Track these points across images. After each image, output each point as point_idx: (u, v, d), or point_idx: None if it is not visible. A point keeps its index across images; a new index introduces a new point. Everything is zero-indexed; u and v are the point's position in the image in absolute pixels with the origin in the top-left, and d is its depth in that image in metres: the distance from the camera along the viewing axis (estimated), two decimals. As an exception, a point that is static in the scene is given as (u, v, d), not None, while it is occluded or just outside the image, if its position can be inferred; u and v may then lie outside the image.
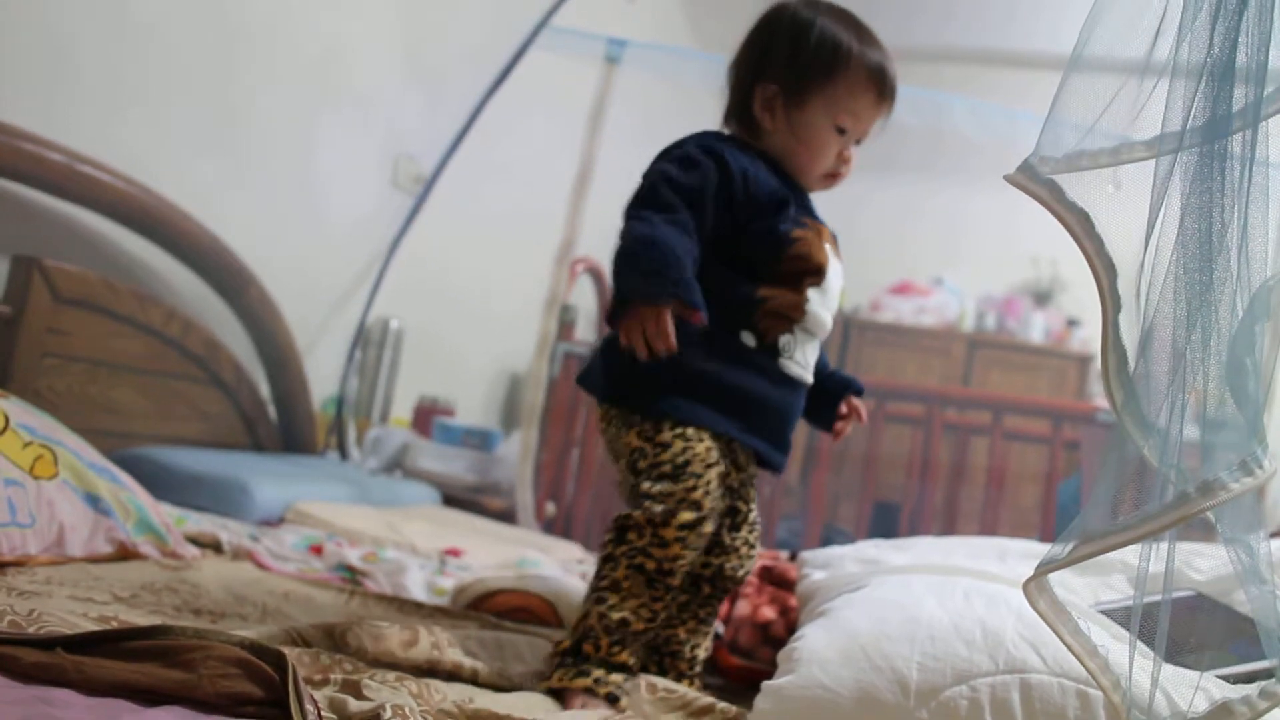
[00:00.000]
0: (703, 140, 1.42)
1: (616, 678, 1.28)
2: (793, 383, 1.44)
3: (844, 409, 1.55)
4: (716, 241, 1.38)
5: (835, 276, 1.46)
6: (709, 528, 1.33)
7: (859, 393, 1.56)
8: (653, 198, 1.34)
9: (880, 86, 1.43)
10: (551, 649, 1.35)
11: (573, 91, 3.41)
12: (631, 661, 1.31)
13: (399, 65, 3.35)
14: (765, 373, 1.40)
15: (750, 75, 1.47)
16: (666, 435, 1.35)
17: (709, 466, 1.34)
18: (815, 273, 1.41)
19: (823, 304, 1.43)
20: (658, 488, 1.32)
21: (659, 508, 1.31)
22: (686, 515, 1.30)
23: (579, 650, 1.30)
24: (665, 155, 1.40)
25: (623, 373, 1.40)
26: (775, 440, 1.45)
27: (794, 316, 1.40)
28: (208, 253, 2.58)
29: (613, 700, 1.26)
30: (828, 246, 1.45)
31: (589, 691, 1.25)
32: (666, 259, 1.26)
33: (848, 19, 1.45)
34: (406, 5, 3.35)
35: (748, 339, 1.39)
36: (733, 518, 1.47)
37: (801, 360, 1.43)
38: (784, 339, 1.40)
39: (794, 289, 1.40)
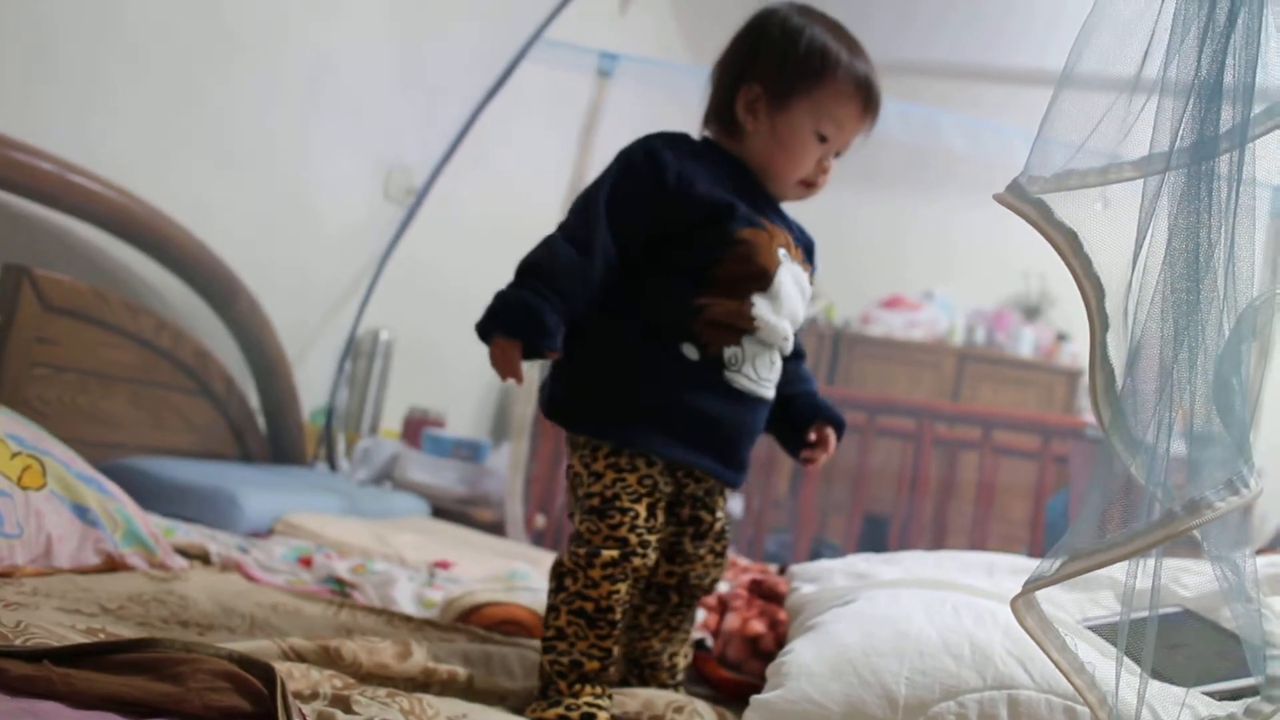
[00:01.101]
0: (647, 143, 1.40)
1: (586, 699, 1.28)
2: (744, 397, 1.39)
3: (813, 436, 1.50)
4: (658, 246, 1.36)
5: (790, 282, 1.40)
6: (638, 561, 1.31)
7: (835, 422, 1.51)
8: (576, 214, 1.37)
9: (866, 98, 1.41)
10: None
11: (565, 104, 3.42)
12: (597, 692, 1.30)
13: (392, 76, 3.35)
14: (710, 388, 1.36)
15: (735, 76, 1.44)
16: (600, 464, 1.34)
17: (638, 499, 1.33)
18: (759, 277, 1.36)
19: (773, 311, 1.37)
20: (584, 524, 1.33)
21: (583, 549, 1.31)
22: (609, 553, 1.30)
23: (545, 694, 1.30)
24: (612, 162, 1.40)
25: (563, 394, 1.41)
26: (725, 459, 1.41)
27: (740, 326, 1.36)
28: (198, 263, 2.58)
29: (589, 719, 1.26)
30: (782, 251, 1.39)
31: (563, 718, 1.26)
32: (530, 302, 1.29)
33: (839, 30, 1.43)
34: (400, 16, 3.35)
35: (689, 351, 1.35)
36: (696, 527, 1.45)
37: (753, 374, 1.38)
38: (729, 351, 1.36)
39: (736, 296, 1.35)
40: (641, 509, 1.33)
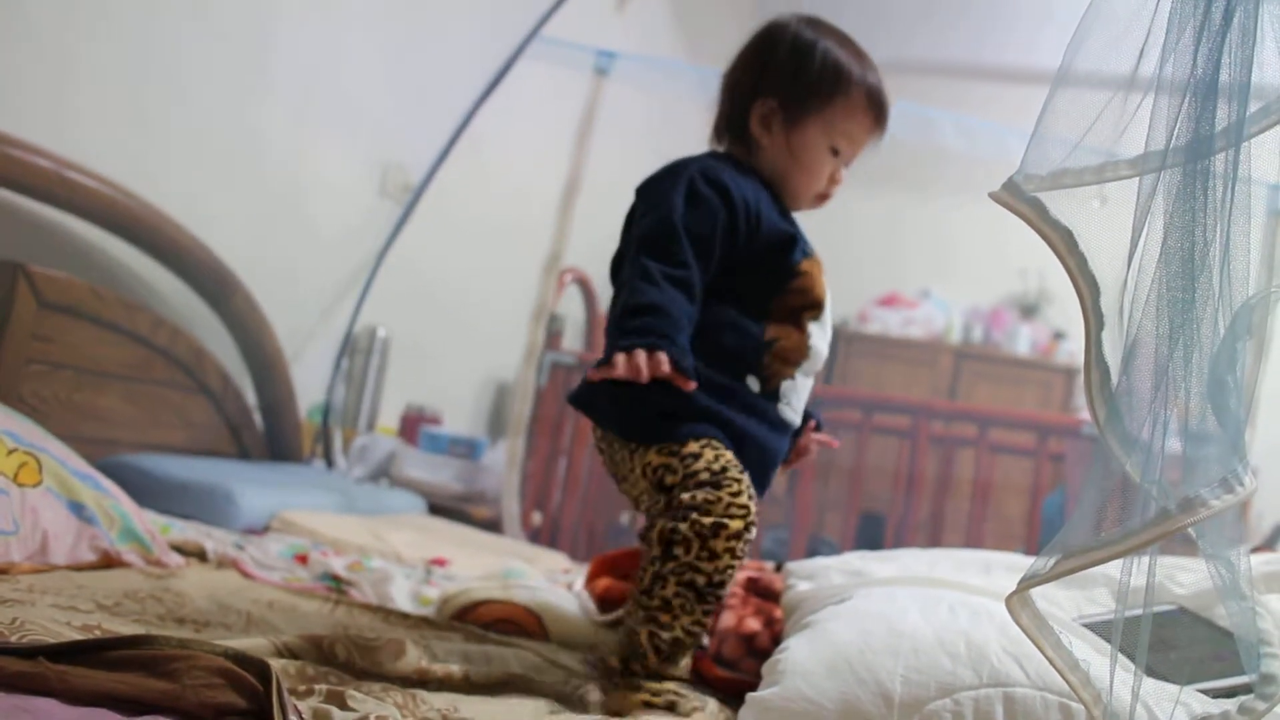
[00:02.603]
0: (707, 170, 1.38)
1: (670, 685, 1.28)
2: (785, 427, 1.43)
3: (806, 444, 1.56)
4: (717, 278, 1.37)
5: (828, 307, 1.46)
6: (753, 534, 1.29)
7: (814, 423, 1.56)
8: (665, 248, 1.31)
9: (877, 113, 1.45)
10: (599, 668, 1.35)
11: (562, 102, 3.42)
12: (680, 670, 1.30)
13: (388, 73, 3.35)
14: (766, 418, 1.40)
15: (749, 90, 1.46)
16: (694, 447, 1.31)
17: (742, 471, 1.32)
18: (815, 306, 1.41)
19: (822, 336, 1.43)
20: (701, 495, 1.27)
21: (708, 520, 1.26)
22: (735, 524, 1.26)
23: (627, 669, 1.29)
24: (670, 181, 1.37)
25: (636, 411, 1.36)
26: (761, 483, 1.42)
27: (800, 357, 1.40)
28: (195, 259, 2.57)
29: (671, 707, 1.26)
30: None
31: (648, 705, 1.25)
32: (665, 328, 1.25)
33: (848, 42, 1.46)
34: (396, 13, 3.35)
35: (753, 383, 1.38)
36: None
37: (795, 404, 1.43)
38: (785, 384, 1.40)
39: (796, 326, 1.40)
40: (748, 482, 1.31)
